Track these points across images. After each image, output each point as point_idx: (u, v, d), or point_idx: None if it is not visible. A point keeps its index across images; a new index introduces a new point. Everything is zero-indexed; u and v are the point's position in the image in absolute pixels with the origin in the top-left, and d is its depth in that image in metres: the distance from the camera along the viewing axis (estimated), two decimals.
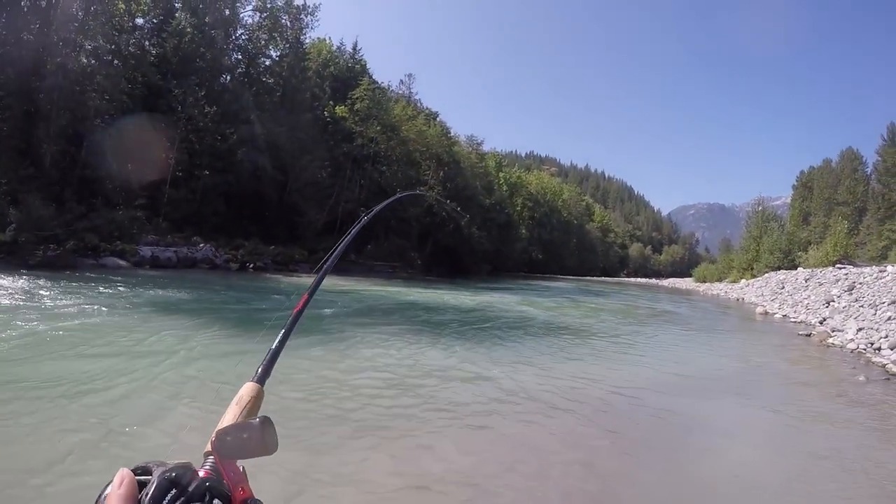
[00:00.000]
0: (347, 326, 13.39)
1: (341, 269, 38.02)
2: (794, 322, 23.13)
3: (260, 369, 1.14)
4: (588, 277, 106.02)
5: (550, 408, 7.40)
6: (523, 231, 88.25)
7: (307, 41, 52.34)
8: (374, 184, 50.47)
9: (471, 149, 72.94)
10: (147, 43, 39.11)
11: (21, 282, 14.61)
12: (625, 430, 6.84)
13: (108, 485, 0.71)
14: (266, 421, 0.84)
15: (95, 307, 11.92)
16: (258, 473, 4.85)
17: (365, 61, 59.79)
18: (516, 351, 11.84)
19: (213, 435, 0.83)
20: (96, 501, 0.71)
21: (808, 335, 18.00)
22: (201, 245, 30.19)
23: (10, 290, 13.03)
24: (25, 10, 29.81)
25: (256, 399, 1.06)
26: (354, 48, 59.53)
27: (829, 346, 15.83)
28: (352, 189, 49.42)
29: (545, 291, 38.08)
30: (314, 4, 50.04)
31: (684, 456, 6.25)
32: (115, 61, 34.10)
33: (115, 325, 10.41)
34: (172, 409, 6.12)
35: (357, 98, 50.19)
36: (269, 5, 46.88)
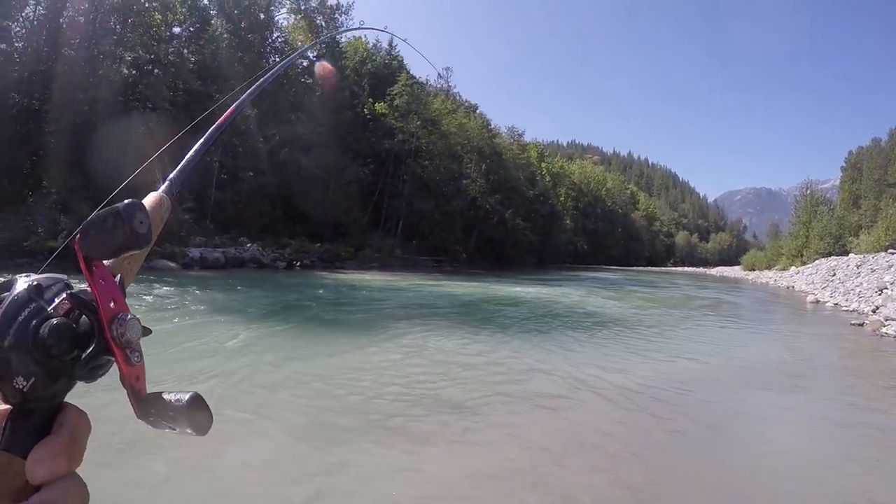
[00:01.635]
0: (396, 321, 13.34)
1: (386, 264, 38.18)
2: (846, 311, 22.16)
3: (168, 179, 0.91)
4: (634, 267, 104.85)
5: (599, 399, 7.22)
6: (568, 221, 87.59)
7: (343, 40, 52.30)
8: (416, 179, 50.27)
9: (512, 140, 72.34)
10: (185, 51, 39.34)
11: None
12: (673, 422, 6.54)
13: None
14: (134, 204, 0.63)
15: (153, 308, 12.25)
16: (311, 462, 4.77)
17: (401, 57, 59.58)
18: (565, 343, 11.46)
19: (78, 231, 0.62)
20: None
21: (861, 324, 17.12)
22: (248, 245, 30.37)
23: None
24: (65, 26, 30.36)
25: (159, 209, 0.84)
26: (390, 45, 59.32)
27: (882, 336, 14.96)
28: (395, 185, 49.48)
29: (592, 282, 37.41)
30: (348, 3, 50.09)
31: (731, 447, 6.02)
32: (156, 70, 34.51)
33: (175, 325, 10.34)
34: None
35: (396, 94, 50.04)
36: (302, 7, 46.93)
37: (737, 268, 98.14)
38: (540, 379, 8.12)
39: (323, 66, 44.56)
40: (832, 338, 15.09)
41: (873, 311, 19.78)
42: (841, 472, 5.31)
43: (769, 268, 72.86)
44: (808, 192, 77.65)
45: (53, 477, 0.54)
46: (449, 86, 67.14)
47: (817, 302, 26.52)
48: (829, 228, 62.26)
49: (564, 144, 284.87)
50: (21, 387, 0.54)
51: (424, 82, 60.37)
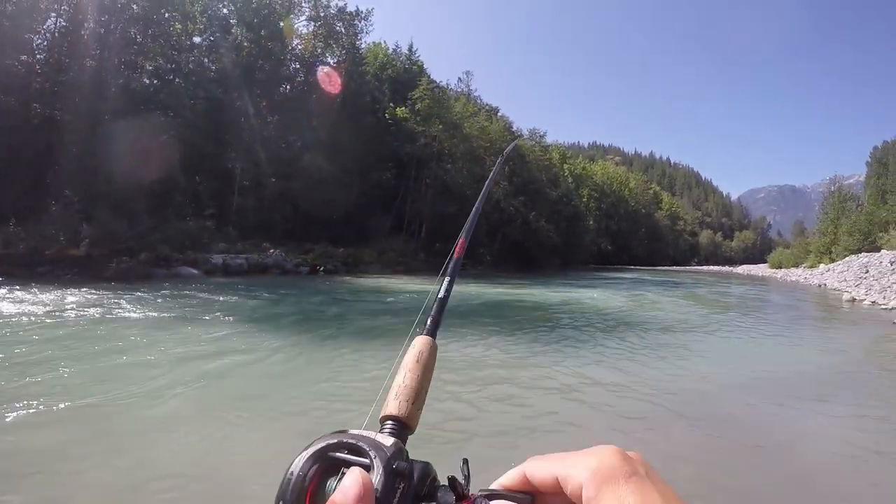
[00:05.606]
0: (406, 327, 12.87)
1: (409, 268, 37.96)
2: (885, 309, 21.80)
3: (429, 321, 0.97)
4: (658, 267, 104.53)
5: (619, 411, 6.88)
6: (591, 222, 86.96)
7: (363, 46, 52.25)
8: (439, 182, 50.03)
9: (534, 142, 71.77)
10: (206, 59, 39.47)
11: (97, 294, 14.57)
12: (709, 432, 6.26)
13: (293, 470, 0.55)
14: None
15: (186, 314, 12.30)
16: None
17: (421, 62, 59.50)
18: (590, 348, 11.09)
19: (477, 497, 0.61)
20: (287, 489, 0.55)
21: None
22: (271, 251, 30.20)
23: (89, 303, 13.01)
24: (86, 37, 30.43)
25: (433, 354, 0.89)
26: (410, 49, 59.29)
27: None
28: (418, 189, 49.31)
29: (618, 284, 37.09)
30: (367, 9, 49.99)
31: (774, 459, 5.55)
32: (177, 79, 34.59)
33: (203, 330, 10.15)
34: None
35: (416, 98, 49.84)
36: (322, 14, 46.89)
37: (763, 266, 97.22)
38: (557, 389, 7.81)
39: (327, 74, 44.52)
40: (878, 339, 14.55)
41: None
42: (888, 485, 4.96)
43: (797, 266, 71.87)
44: (835, 187, 76.72)
45: None
46: (470, 89, 66.94)
47: (853, 300, 25.92)
48: (858, 225, 61.26)
49: (586, 146, 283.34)
50: None
51: (445, 86, 60.25)
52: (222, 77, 37.64)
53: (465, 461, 0.64)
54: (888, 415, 7.08)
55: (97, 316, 11.19)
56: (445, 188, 50.14)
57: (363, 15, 49.74)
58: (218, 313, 12.70)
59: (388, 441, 0.60)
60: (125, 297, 14.24)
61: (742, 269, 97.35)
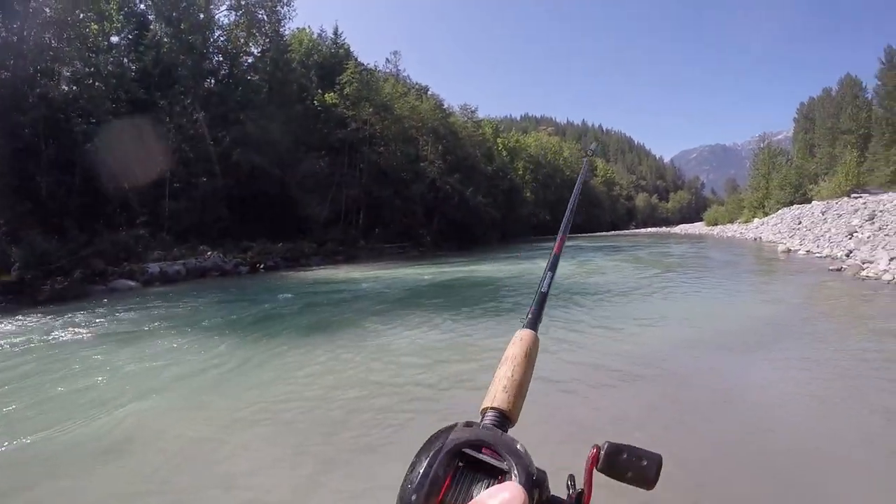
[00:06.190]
0: (367, 318, 13.12)
1: (351, 256, 38.10)
2: (820, 257, 22.94)
3: (530, 315, 1.03)
4: (598, 233, 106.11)
5: (573, 375, 7.13)
6: (528, 194, 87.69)
7: (287, 33, 51.38)
8: (373, 166, 49.98)
9: (466, 118, 71.95)
10: (125, 59, 38.33)
11: (34, 320, 14.27)
12: (657, 396, 6.44)
13: (429, 463, 0.57)
14: (660, 459, 0.72)
15: (129, 329, 12.14)
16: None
17: (348, 45, 58.78)
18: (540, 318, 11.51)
19: (604, 447, 0.70)
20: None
21: (839, 269, 17.88)
22: (209, 253, 29.76)
23: (28, 329, 12.79)
24: None
25: (535, 347, 0.95)
26: (335, 33, 58.49)
27: (864, 279, 15.67)
28: (352, 174, 49.03)
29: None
30: None
31: (740, 412, 5.86)
32: (96, 83, 33.46)
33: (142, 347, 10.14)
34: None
35: (345, 83, 49.35)
36: (243, 2, 45.88)
37: (699, 224, 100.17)
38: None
39: None
40: (816, 286, 15.51)
41: (847, 256, 20.49)
42: (851, 421, 5.37)
43: (732, 221, 74.67)
44: (765, 143, 79.59)
45: None
46: (398, 69, 66.60)
47: (789, 251, 27.22)
48: (788, 178, 63.97)
49: (518, 118, 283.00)
50: None
51: (374, 68, 59.78)
52: (144, 76, 36.73)
53: (572, 477, 0.70)
54: (831, 358, 7.63)
55: (37, 343, 10.99)
56: (380, 172, 50.13)
57: (285, 0, 48.85)
58: (161, 325, 12.66)
59: (517, 445, 0.62)
60: (64, 319, 14.03)
61: (679, 229, 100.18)
